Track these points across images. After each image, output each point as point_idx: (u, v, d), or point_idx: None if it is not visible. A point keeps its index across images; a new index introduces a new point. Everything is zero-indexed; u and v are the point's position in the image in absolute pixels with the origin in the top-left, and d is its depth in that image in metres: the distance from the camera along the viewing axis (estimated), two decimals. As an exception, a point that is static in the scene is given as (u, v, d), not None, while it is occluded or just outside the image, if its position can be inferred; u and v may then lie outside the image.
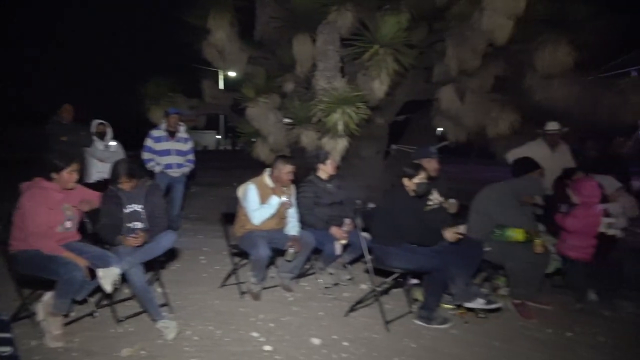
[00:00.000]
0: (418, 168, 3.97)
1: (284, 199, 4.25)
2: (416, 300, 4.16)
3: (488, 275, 4.59)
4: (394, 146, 7.77)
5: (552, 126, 5.58)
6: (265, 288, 4.37)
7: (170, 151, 6.16)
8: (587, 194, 4.33)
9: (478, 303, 3.73)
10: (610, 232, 4.53)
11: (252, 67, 7.48)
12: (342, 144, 5.93)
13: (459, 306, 3.94)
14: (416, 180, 3.89)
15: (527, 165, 4.50)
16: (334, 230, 4.37)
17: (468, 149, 9.96)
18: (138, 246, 3.56)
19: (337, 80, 6.00)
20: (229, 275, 4.47)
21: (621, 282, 4.43)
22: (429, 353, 3.38)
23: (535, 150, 5.54)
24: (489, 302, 3.74)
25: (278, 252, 4.41)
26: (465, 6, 6.33)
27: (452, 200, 4.26)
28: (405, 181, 3.94)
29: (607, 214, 4.55)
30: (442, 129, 7.45)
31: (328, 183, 4.66)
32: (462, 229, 4.23)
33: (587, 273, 4.41)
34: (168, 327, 3.41)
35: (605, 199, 4.65)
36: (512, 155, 5.60)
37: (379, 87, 5.87)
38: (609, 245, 4.46)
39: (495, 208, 4.24)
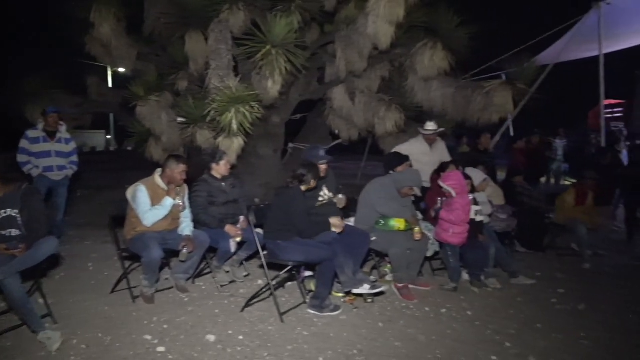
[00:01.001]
0: (310, 170, 4.17)
1: (177, 201, 4.22)
2: (310, 291, 4.37)
3: (375, 263, 4.95)
4: (291, 144, 7.96)
5: (429, 126, 6.12)
6: (159, 291, 4.30)
7: (50, 153, 5.75)
8: (454, 184, 4.81)
9: (365, 289, 4.02)
10: (478, 218, 5.12)
11: (143, 64, 7.21)
12: (238, 143, 5.95)
13: (348, 293, 4.22)
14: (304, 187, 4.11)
15: (395, 160, 4.96)
16: (229, 228, 4.43)
17: (362, 146, 10.49)
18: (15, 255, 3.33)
19: (231, 79, 6.01)
20: (119, 281, 4.32)
21: (487, 261, 5.03)
22: (320, 338, 3.59)
23: (416, 146, 6.07)
24: (374, 287, 4.06)
25: (172, 253, 4.36)
26: (352, 11, 6.70)
27: (340, 196, 4.53)
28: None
29: (475, 203, 5.13)
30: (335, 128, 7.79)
31: (222, 182, 4.70)
32: (352, 220, 4.54)
33: (461, 255, 4.95)
34: (50, 338, 3.24)
35: (473, 189, 5.24)
36: (397, 150, 6.06)
37: (272, 86, 5.99)
38: (477, 230, 5.04)
39: (378, 200, 4.60)
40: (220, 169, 4.69)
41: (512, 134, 11.54)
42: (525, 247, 6.22)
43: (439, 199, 5.03)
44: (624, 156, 7.79)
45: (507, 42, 8.92)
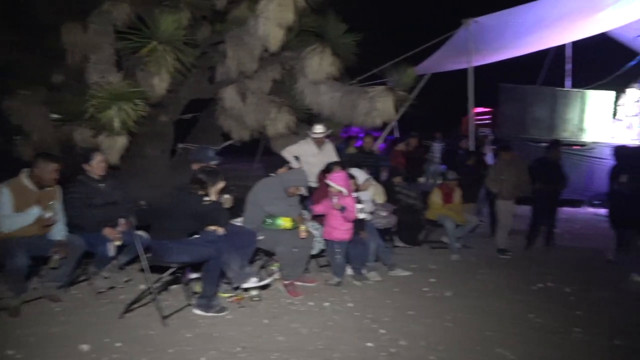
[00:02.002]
0: (211, 175, 4.15)
1: (46, 214, 3.88)
2: (195, 293, 4.33)
3: (263, 262, 5.04)
4: (180, 145, 7.74)
5: (318, 129, 6.36)
6: (27, 301, 3.96)
7: None
8: (340, 184, 5.08)
9: (252, 282, 4.10)
10: (361, 216, 5.44)
11: (14, 54, 6.55)
12: (120, 142, 5.66)
13: (236, 289, 4.26)
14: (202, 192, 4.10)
15: (279, 163, 5.15)
16: (107, 231, 4.22)
17: (254, 147, 10.52)
18: None
19: (112, 75, 5.71)
20: (-23, 292, 3.91)
21: (368, 256, 5.38)
22: (203, 339, 3.59)
23: (304, 148, 6.28)
24: (261, 279, 4.15)
25: (43, 260, 4.04)
26: (243, 11, 6.72)
27: (226, 196, 4.54)
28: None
29: (359, 201, 5.45)
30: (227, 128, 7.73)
31: (100, 183, 4.46)
32: (240, 220, 4.58)
33: (345, 251, 5.22)
34: None
35: (357, 188, 5.56)
36: (287, 152, 6.22)
37: (159, 83, 5.80)
38: (359, 227, 5.36)
39: (265, 200, 4.70)
40: (94, 169, 4.44)
41: (398, 136, 12.40)
42: (403, 242, 6.73)
43: (336, 197, 5.24)
44: (490, 158, 8.74)
45: (389, 52, 9.55)
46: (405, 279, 5.40)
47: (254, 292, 4.36)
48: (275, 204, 4.69)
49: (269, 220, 4.69)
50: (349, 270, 5.35)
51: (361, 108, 7.02)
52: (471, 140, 9.16)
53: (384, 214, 6.08)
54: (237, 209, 4.82)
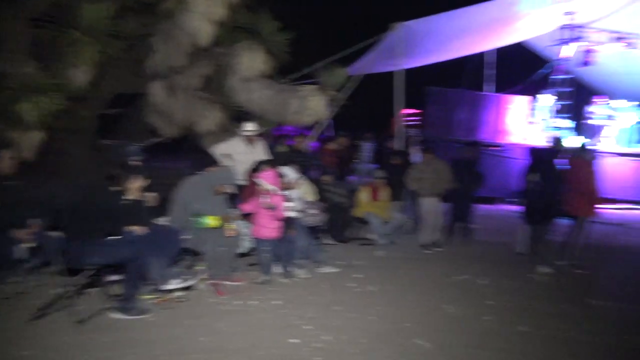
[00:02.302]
0: (128, 170, 4.01)
1: None
2: (115, 296, 4.18)
3: (190, 262, 4.96)
4: (104, 141, 7.40)
5: (248, 127, 6.35)
6: None
7: None
8: (269, 182, 5.11)
9: (175, 283, 4.03)
10: (291, 214, 5.51)
11: None
12: (36, 137, 5.34)
13: (158, 292, 4.16)
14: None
15: (206, 160, 5.18)
16: (17, 232, 3.97)
17: (184, 144, 10.26)
18: None
19: (27, 65, 5.37)
20: None
21: (296, 254, 5.46)
22: (122, 344, 3.49)
23: (235, 146, 6.25)
24: (184, 280, 4.09)
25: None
26: (173, 4, 6.53)
27: (150, 194, 4.43)
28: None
29: (288, 199, 5.51)
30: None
31: (9, 181, 4.18)
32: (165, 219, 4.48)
33: (273, 250, 5.26)
34: None
35: (287, 187, 5.62)
36: (217, 150, 6.14)
37: (79, 76, 5.53)
38: (288, 225, 5.42)
39: (192, 198, 4.63)
40: (1, 166, 4.16)
41: (333, 135, 12.59)
42: (332, 239, 6.88)
43: (265, 196, 5.25)
44: (416, 158, 9.09)
45: (321, 51, 9.71)
46: (333, 276, 5.54)
47: (178, 293, 4.29)
48: (201, 203, 4.63)
49: (195, 219, 4.62)
50: (277, 268, 5.40)
51: (292, 107, 7.08)
52: (399, 140, 9.51)
53: (313, 212, 6.19)
54: (163, 208, 4.71)
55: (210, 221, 4.63)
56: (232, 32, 6.86)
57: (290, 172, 5.89)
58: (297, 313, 4.32)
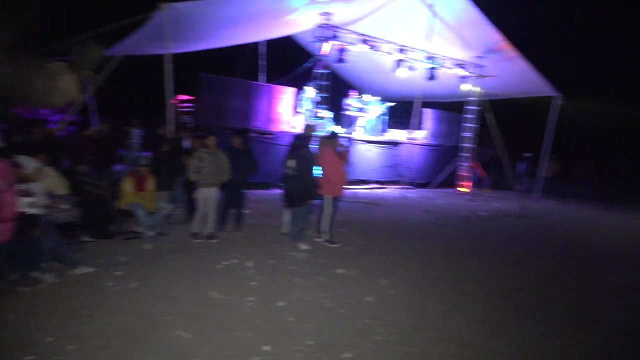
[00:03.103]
0: None
1: None
2: None
3: None
4: None
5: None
6: None
7: None
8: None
9: None
10: (31, 210, 4.74)
11: None
12: None
13: None
14: None
15: None
16: None
17: None
18: None
19: None
20: None
21: (41, 256, 4.74)
22: None
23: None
24: None
25: None
26: None
27: None
28: None
29: (27, 194, 4.72)
30: None
31: None
32: None
33: (7, 254, 4.45)
34: None
35: (26, 179, 4.81)
36: None
37: None
38: (29, 224, 4.66)
39: None
40: None
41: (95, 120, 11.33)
42: (91, 236, 6.21)
43: None
44: (187, 145, 8.86)
45: (79, 26, 8.57)
46: (88, 276, 5.00)
47: None
48: None
49: None
50: (15, 275, 4.60)
51: (38, 85, 6.15)
52: (170, 127, 9.15)
53: (64, 207, 5.48)
54: None
55: None
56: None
57: (29, 162, 5.06)
58: (38, 325, 3.76)
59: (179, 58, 10.21)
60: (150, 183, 6.58)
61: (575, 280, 6.52)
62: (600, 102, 20.01)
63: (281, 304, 4.69)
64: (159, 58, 9.99)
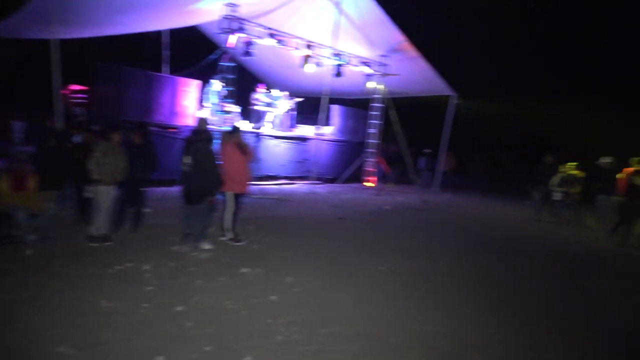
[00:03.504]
0: None
1: None
2: None
3: None
4: None
5: None
6: None
7: None
8: None
9: None
10: None
11: None
12: None
13: None
14: None
15: None
16: None
17: None
18: None
19: None
20: None
21: None
22: None
23: None
24: None
25: None
26: None
27: None
28: None
29: None
30: None
31: None
32: None
33: None
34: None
35: None
36: None
37: None
38: None
39: None
40: None
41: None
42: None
43: None
44: (78, 139, 8.14)
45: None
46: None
47: None
48: None
49: None
50: None
51: None
52: (59, 119, 8.37)
53: None
54: None
55: None
56: None
57: None
58: None
59: (72, 45, 9.38)
60: (33, 181, 5.94)
61: (475, 267, 7.00)
62: (492, 102, 21.78)
63: (179, 308, 4.48)
64: (47, 43, 9.09)
